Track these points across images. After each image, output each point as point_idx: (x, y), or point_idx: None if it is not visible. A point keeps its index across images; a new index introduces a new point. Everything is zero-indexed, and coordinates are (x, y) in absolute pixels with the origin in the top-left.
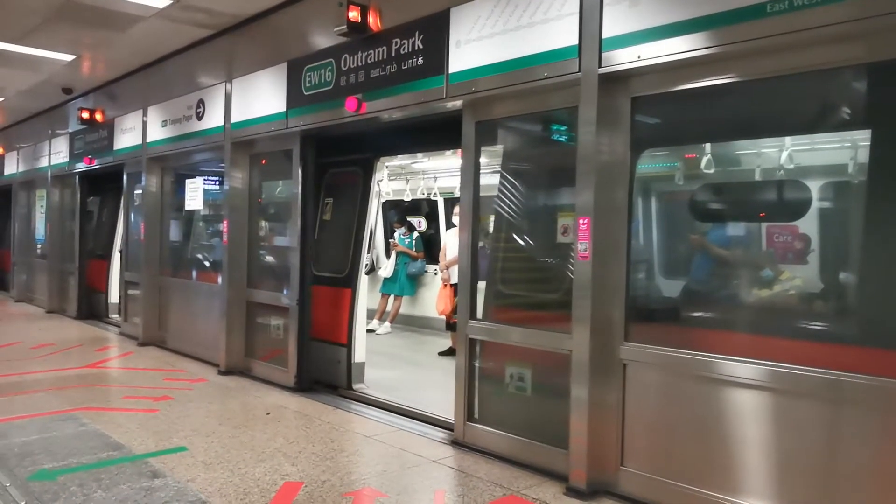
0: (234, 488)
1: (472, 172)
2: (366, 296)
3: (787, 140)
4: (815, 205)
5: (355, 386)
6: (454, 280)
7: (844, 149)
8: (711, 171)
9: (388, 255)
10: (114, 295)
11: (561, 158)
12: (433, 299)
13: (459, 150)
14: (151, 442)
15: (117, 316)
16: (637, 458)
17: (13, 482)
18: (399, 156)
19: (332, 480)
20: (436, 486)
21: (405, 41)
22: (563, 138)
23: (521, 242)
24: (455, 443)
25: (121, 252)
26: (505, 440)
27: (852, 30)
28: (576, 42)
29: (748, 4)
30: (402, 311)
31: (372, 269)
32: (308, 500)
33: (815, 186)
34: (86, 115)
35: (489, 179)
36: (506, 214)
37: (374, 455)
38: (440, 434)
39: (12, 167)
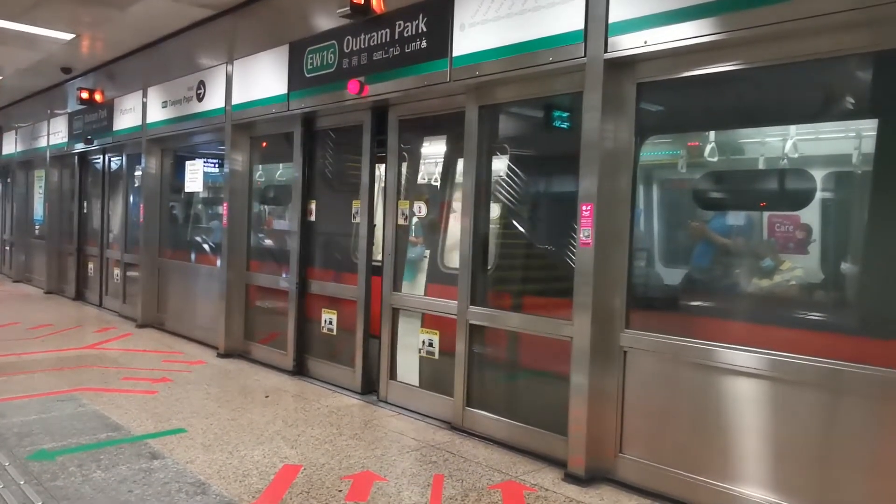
0: (234, 470)
1: (474, 157)
2: None
3: (792, 129)
4: (819, 195)
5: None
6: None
7: (849, 138)
8: (715, 159)
9: None
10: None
11: (564, 144)
12: None
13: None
14: (150, 423)
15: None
16: (636, 445)
17: (12, 462)
18: None
19: (331, 464)
20: (434, 470)
21: (409, 24)
22: (566, 124)
23: (521, 229)
24: (454, 428)
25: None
26: (504, 426)
27: (860, 17)
28: (582, 27)
29: None
30: None
31: None
32: (307, 482)
33: (818, 176)
34: (85, 95)
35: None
36: (505, 200)
37: (373, 439)
38: (439, 419)
39: (10, 147)
